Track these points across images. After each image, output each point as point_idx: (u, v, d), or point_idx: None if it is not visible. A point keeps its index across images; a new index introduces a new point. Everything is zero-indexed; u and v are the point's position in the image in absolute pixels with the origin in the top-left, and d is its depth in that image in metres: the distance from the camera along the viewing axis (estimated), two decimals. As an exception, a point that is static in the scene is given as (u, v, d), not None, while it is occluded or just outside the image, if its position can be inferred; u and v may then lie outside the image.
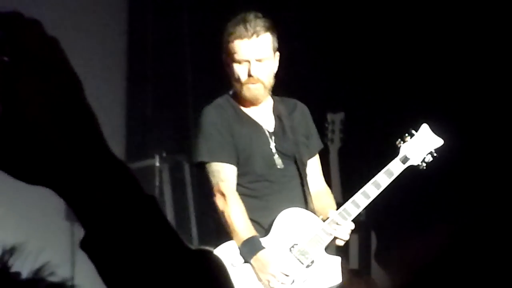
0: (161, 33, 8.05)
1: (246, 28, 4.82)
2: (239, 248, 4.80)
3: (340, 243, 4.90)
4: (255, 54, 4.85)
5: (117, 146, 8.18)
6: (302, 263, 4.87)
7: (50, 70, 1.09)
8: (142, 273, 1.09)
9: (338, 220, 4.84)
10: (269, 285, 4.77)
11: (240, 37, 4.83)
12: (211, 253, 1.16)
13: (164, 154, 7.53)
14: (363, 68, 7.12)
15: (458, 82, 6.72)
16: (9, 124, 1.07)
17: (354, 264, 6.87)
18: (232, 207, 4.81)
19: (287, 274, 4.80)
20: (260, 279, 4.80)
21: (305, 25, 6.98)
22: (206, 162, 4.92)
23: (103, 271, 1.10)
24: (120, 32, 8.29)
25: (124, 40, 8.31)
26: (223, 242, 4.82)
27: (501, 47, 6.78)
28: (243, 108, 5.03)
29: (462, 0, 6.95)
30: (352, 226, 4.90)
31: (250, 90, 4.92)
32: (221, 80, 5.19)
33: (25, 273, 1.09)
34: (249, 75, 4.86)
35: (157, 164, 7.43)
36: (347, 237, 4.92)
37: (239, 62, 4.86)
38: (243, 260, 4.81)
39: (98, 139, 1.11)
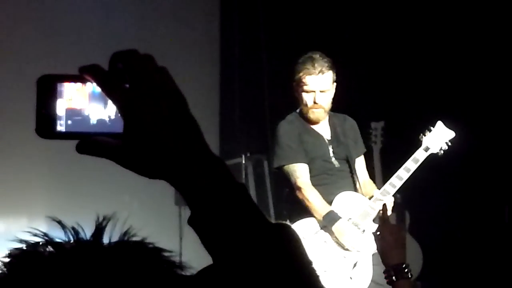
0: (247, 63, 8.13)
1: (314, 66, 4.97)
2: (321, 221, 4.89)
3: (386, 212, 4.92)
4: (320, 87, 5.00)
5: (212, 148, 8.19)
6: (357, 230, 4.91)
7: (161, 91, 1.10)
8: (237, 243, 1.09)
9: (380, 197, 4.88)
10: (349, 245, 4.86)
11: (309, 73, 4.98)
12: (288, 225, 1.16)
13: (248, 154, 7.53)
14: (396, 87, 7.14)
15: (463, 89, 6.67)
16: (132, 135, 1.09)
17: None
18: (310, 194, 4.92)
19: (356, 237, 4.87)
20: (338, 243, 4.88)
21: (353, 57, 6.97)
22: (284, 165, 5.04)
23: (206, 242, 1.11)
24: (214, 64, 8.35)
25: (217, 71, 8.37)
26: (292, 219, 4.94)
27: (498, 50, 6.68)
28: (307, 123, 5.16)
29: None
30: (391, 200, 4.96)
31: (314, 113, 5.10)
32: (291, 101, 5.26)
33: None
34: (314, 102, 5.03)
35: (243, 162, 7.44)
36: (389, 209, 4.88)
37: (307, 91, 5.03)
38: (322, 230, 4.87)
39: (201, 141, 1.13)
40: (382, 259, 3.17)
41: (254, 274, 1.09)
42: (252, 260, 1.09)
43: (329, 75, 5.00)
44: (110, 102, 1.12)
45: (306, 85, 4.99)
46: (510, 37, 6.66)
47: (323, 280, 1.28)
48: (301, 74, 5.00)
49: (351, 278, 4.89)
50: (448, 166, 5.93)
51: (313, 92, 5.00)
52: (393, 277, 3.02)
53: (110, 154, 1.11)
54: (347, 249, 4.88)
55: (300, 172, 4.99)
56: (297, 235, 1.15)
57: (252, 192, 7.56)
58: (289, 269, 1.10)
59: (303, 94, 5.03)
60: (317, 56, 5.01)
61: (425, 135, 5.05)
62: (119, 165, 1.12)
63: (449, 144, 5.07)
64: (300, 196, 4.93)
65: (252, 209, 1.12)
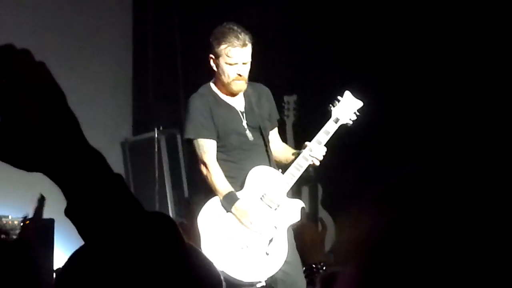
0: (159, 38, 8.09)
1: (238, 39, 4.94)
2: (221, 201, 4.92)
3: (316, 162, 4.99)
4: (243, 59, 4.99)
5: (126, 122, 8.15)
6: (271, 207, 4.97)
7: (38, 86, 1.12)
8: (112, 233, 1.12)
9: (293, 171, 4.96)
10: (250, 226, 4.88)
11: (233, 46, 4.94)
12: (165, 216, 1.19)
13: (161, 128, 7.50)
14: (308, 63, 7.19)
15: (368, 60, 6.77)
16: (8, 128, 1.10)
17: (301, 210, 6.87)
18: (213, 172, 4.94)
19: (260, 217, 4.91)
20: (242, 223, 4.89)
21: (268, 28, 6.98)
22: (193, 139, 5.03)
23: (82, 232, 1.13)
24: (127, 37, 8.27)
25: (130, 44, 8.29)
26: (210, 197, 4.96)
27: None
28: (221, 95, 5.13)
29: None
30: (324, 149, 4.99)
31: (237, 85, 5.05)
32: (205, 74, 5.24)
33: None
34: (238, 74, 5.00)
35: (156, 136, 7.40)
36: (321, 158, 4.97)
37: (230, 64, 4.99)
38: (226, 211, 4.92)
39: (78, 134, 1.15)
40: (301, 258, 3.22)
41: (125, 261, 1.12)
42: (123, 248, 1.12)
43: (250, 47, 4.98)
44: None
45: (230, 57, 4.93)
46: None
47: (214, 266, 1.28)
48: (223, 46, 4.92)
49: (267, 254, 4.89)
50: (359, 137, 6.00)
51: (236, 65, 4.96)
52: (312, 276, 3.06)
53: None
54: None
55: (207, 148, 4.96)
56: (175, 227, 1.18)
57: (166, 166, 7.54)
58: (162, 258, 1.13)
59: (226, 66, 4.97)
60: (237, 28, 4.96)
61: (334, 106, 5.05)
62: None
63: (358, 114, 5.09)
64: (204, 172, 4.94)
65: (127, 199, 1.15)
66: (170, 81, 8.01)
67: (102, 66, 7.76)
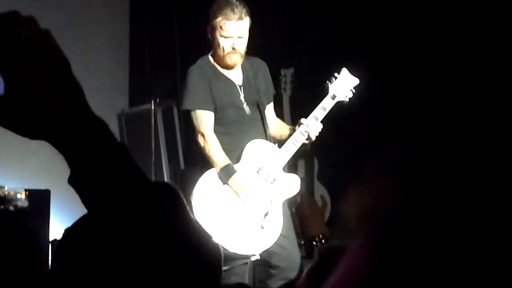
0: (156, 8, 8.05)
1: (234, 12, 4.92)
2: (218, 174, 4.91)
3: (313, 138, 5.02)
4: (238, 33, 4.96)
5: (123, 94, 8.13)
6: (267, 181, 4.99)
7: (43, 53, 1.11)
8: (114, 201, 1.12)
9: (290, 146, 4.98)
10: (246, 199, 4.90)
11: (229, 19, 4.91)
12: (171, 186, 1.19)
13: (158, 100, 7.48)
14: (306, 36, 7.17)
15: (366, 35, 6.76)
16: (12, 96, 1.10)
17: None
18: (211, 143, 4.94)
19: (256, 190, 4.93)
20: (238, 196, 4.90)
21: (266, 3, 6.96)
22: (191, 110, 5.02)
23: (85, 201, 1.14)
24: (123, 6, 8.23)
25: (126, 14, 8.25)
26: (206, 170, 4.96)
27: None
28: (219, 68, 5.11)
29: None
30: (321, 126, 5.02)
31: (231, 58, 5.03)
32: (202, 45, 5.23)
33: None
34: (233, 48, 4.98)
35: (153, 108, 7.39)
36: (317, 133, 5.01)
37: (225, 37, 4.96)
38: (222, 183, 4.92)
39: (82, 102, 1.14)
40: (301, 232, 3.24)
41: (127, 230, 1.12)
42: (128, 217, 1.12)
43: (247, 21, 4.96)
44: None
45: (224, 30, 4.92)
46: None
47: (212, 239, 1.29)
48: (219, 19, 4.91)
49: (262, 227, 4.92)
50: (357, 113, 6.01)
51: (231, 38, 4.94)
52: (311, 248, 3.08)
53: None
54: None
55: (205, 119, 4.96)
56: (179, 197, 1.18)
57: (162, 138, 7.53)
58: (164, 228, 1.13)
59: (221, 39, 4.95)
60: (234, 1, 4.94)
61: (331, 83, 5.08)
62: (0, 126, 1.12)
63: (354, 91, 5.12)
64: (202, 143, 4.93)
65: (132, 168, 1.15)
66: (167, 52, 7.98)
67: (99, 37, 7.72)
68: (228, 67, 5.09)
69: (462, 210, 0.76)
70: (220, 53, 5.01)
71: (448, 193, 0.77)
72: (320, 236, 3.07)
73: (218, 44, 4.99)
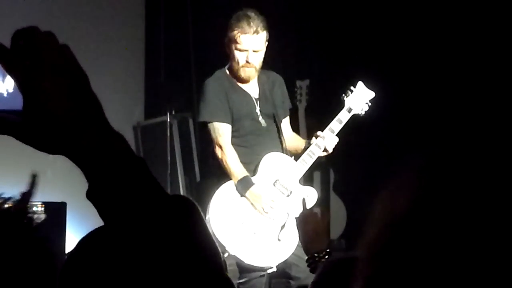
0: (172, 19, 8.07)
1: (249, 26, 4.91)
2: (235, 186, 4.90)
3: (329, 150, 5.03)
4: (253, 46, 4.96)
5: (138, 105, 8.15)
6: (283, 194, 4.99)
7: (62, 68, 1.11)
8: (133, 216, 1.12)
9: (306, 158, 4.99)
10: (263, 211, 4.89)
11: (244, 32, 4.91)
12: (188, 200, 1.19)
13: (173, 112, 7.49)
14: (321, 48, 7.18)
15: (386, 49, 6.75)
16: (31, 111, 1.10)
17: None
18: (228, 155, 4.93)
19: (273, 202, 4.93)
20: (255, 208, 4.89)
21: (279, 14, 6.97)
22: (208, 122, 5.01)
23: (104, 215, 1.14)
24: (139, 17, 8.25)
25: (142, 25, 8.27)
26: (223, 182, 4.94)
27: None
28: (235, 81, 5.10)
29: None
30: (337, 139, 5.02)
31: (245, 72, 5.03)
32: (218, 57, 5.23)
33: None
34: (247, 61, 4.98)
35: (168, 120, 7.40)
36: (333, 146, 5.02)
37: (240, 50, 4.97)
38: (239, 195, 4.92)
39: (101, 117, 1.14)
40: (303, 248, 3.18)
41: (146, 244, 1.11)
42: (145, 231, 1.12)
43: (263, 35, 4.95)
44: (8, 78, 1.12)
45: (240, 43, 4.92)
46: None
47: (222, 257, 1.30)
48: (235, 32, 4.91)
49: (279, 240, 4.92)
50: (372, 125, 6.00)
51: (246, 51, 4.94)
52: (314, 264, 3.02)
53: (9, 130, 1.11)
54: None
55: (222, 131, 4.94)
56: (197, 210, 1.18)
57: (178, 150, 7.54)
58: (182, 243, 1.13)
59: (236, 52, 4.95)
60: (252, 14, 4.93)
61: (347, 96, 5.08)
62: (19, 141, 1.12)
63: (369, 104, 5.12)
64: (219, 155, 4.91)
65: (150, 183, 1.14)
66: (182, 63, 7.98)
67: (114, 47, 7.74)
68: (242, 81, 5.08)
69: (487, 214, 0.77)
70: (235, 66, 5.01)
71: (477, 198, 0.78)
72: (324, 252, 3.01)
73: (234, 57, 4.99)
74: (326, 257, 2.98)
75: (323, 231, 3.15)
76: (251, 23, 4.90)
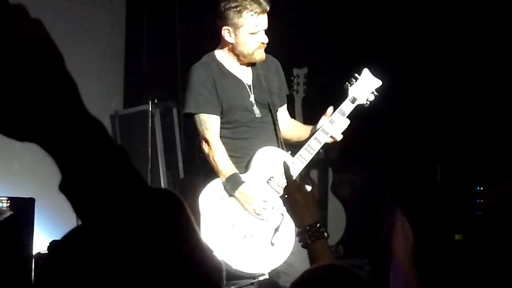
0: (156, 4, 8.06)
1: (261, 4, 4.83)
2: (223, 184, 4.82)
3: (338, 137, 4.95)
4: (266, 25, 4.90)
5: (117, 94, 8.14)
6: (278, 193, 4.83)
7: (33, 46, 1.08)
8: (111, 210, 1.10)
9: (304, 153, 4.90)
10: (254, 213, 4.81)
11: (260, 12, 4.84)
12: (171, 192, 1.17)
13: (156, 101, 7.48)
14: (320, 35, 7.18)
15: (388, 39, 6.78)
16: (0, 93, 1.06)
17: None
18: (216, 150, 4.84)
19: (266, 202, 4.85)
20: (246, 209, 4.82)
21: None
22: (194, 113, 4.90)
23: (78, 209, 1.11)
24: (120, 6, 8.22)
25: (123, 11, 8.24)
26: (210, 180, 4.87)
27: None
28: (226, 65, 4.98)
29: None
30: (348, 122, 4.94)
31: (259, 53, 4.96)
32: (205, 41, 5.20)
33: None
34: (262, 43, 4.92)
35: (150, 109, 7.39)
36: (340, 135, 4.94)
37: (254, 33, 4.88)
38: (228, 195, 4.84)
39: (77, 100, 1.11)
40: (294, 222, 3.15)
41: (128, 243, 1.10)
42: (127, 228, 1.10)
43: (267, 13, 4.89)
44: None
45: (256, 26, 4.83)
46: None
47: (215, 254, 1.29)
48: (248, 14, 4.81)
49: (272, 244, 4.84)
50: (376, 120, 6.00)
51: (259, 32, 4.87)
52: (308, 239, 3.00)
53: None
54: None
55: (210, 124, 4.86)
56: (183, 206, 1.16)
57: (160, 143, 7.52)
58: (167, 241, 1.12)
59: (248, 37, 4.86)
60: None
61: (351, 84, 4.96)
62: None
63: (376, 94, 5.01)
64: (206, 150, 4.84)
65: (130, 173, 1.13)
66: (166, 48, 7.98)
67: (93, 32, 7.74)
68: (230, 61, 4.99)
69: None
70: (246, 51, 4.91)
71: None
72: (316, 225, 3.00)
73: (244, 43, 4.88)
74: (320, 230, 2.97)
75: (313, 202, 3.13)
76: (261, 1, 4.83)
